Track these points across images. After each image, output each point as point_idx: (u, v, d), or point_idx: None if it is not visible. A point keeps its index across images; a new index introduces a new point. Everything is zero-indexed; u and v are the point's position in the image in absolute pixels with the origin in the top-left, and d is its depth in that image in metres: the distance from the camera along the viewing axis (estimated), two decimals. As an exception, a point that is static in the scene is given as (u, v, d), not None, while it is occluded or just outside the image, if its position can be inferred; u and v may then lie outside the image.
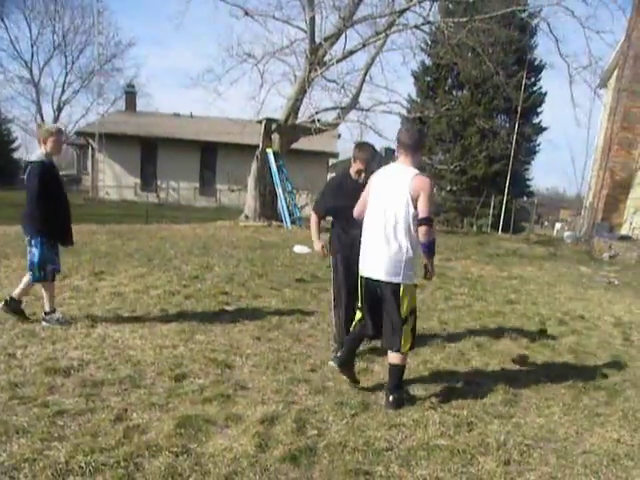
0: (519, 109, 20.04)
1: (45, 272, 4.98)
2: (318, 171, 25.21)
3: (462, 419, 3.64)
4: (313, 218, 4.76)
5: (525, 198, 25.62)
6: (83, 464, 2.81)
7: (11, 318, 5.08)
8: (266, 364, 4.43)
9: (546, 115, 67.49)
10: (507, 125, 24.86)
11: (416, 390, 4.08)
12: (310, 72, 15.42)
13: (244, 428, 3.32)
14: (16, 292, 5.10)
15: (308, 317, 5.85)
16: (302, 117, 16.58)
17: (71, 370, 4.02)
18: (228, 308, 6.02)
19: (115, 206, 23.69)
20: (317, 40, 15.59)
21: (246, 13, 16.54)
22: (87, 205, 23.77)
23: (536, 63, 24.48)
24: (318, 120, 16.26)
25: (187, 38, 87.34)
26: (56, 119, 42.92)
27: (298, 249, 10.54)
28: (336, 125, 17.39)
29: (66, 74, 43.30)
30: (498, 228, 21.50)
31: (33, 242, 4.91)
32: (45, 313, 5.07)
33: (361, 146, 4.60)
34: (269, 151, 15.55)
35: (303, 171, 21.97)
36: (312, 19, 15.15)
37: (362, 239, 3.90)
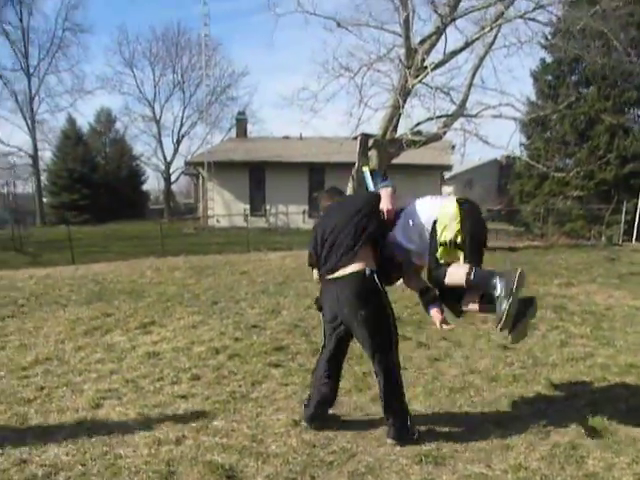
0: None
1: None
2: (430, 186, 23.43)
3: None
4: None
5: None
6: None
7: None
8: (285, 475, 3.17)
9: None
10: (642, 119, 21.74)
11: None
12: (407, 79, 14.04)
13: None
14: None
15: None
16: (402, 129, 15.20)
17: (28, 486, 3.05)
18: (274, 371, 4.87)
19: (223, 234, 23.50)
20: (414, 43, 14.20)
21: (338, 24, 15.61)
22: (196, 234, 23.94)
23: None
24: (419, 132, 14.82)
25: (302, 61, 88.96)
26: (175, 152, 44.89)
27: (390, 281, 9.18)
28: (440, 136, 15.78)
29: (184, 108, 45.19)
30: (632, 237, 18.51)
31: None
32: None
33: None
34: (365, 169, 14.29)
35: (413, 187, 20.42)
36: (406, 19, 13.76)
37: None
